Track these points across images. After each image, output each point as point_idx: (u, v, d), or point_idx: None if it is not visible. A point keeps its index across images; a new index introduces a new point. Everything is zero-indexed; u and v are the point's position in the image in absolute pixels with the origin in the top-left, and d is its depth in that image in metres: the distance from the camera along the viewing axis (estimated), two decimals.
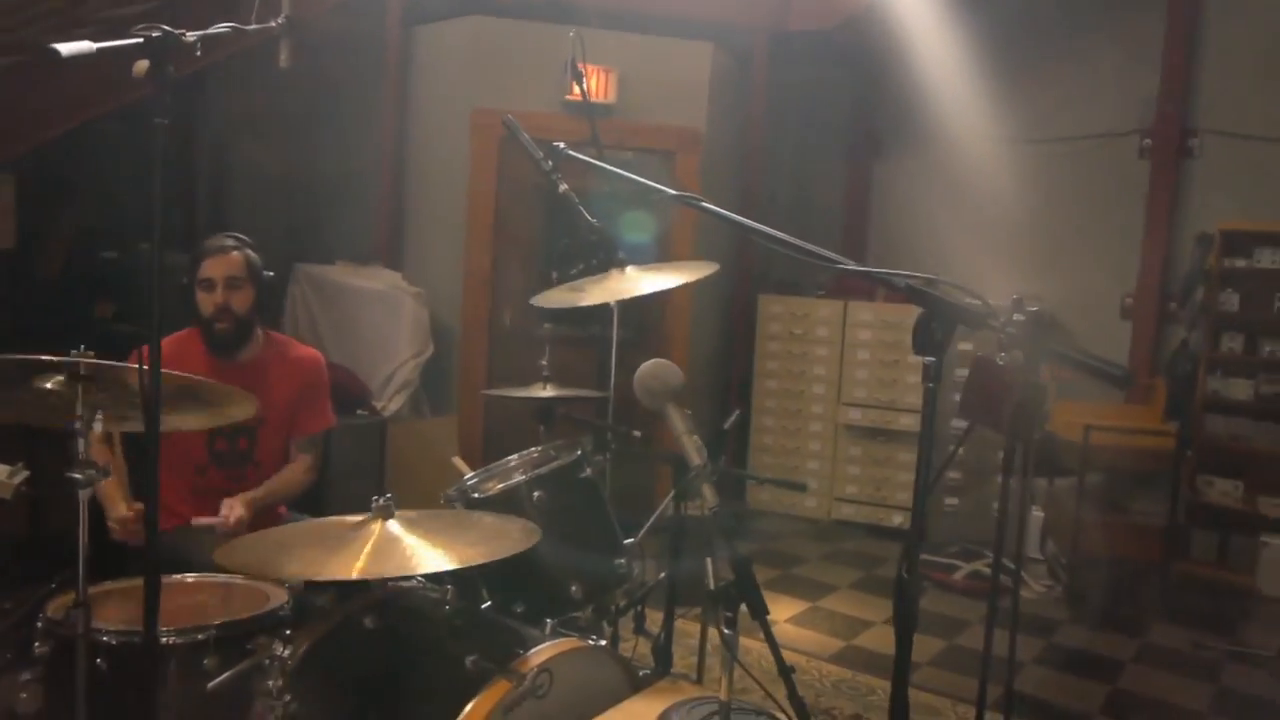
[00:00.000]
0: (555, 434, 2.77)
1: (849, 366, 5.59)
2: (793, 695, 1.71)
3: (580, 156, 1.88)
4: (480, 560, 1.81)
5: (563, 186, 1.90)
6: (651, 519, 2.71)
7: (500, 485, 2.31)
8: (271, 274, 2.70)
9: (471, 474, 2.51)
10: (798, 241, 1.42)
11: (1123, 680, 3.68)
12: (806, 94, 6.18)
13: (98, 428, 1.71)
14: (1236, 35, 5.14)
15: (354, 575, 1.70)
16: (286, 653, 1.71)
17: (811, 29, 5.52)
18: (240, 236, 2.70)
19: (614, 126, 5.01)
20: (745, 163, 5.72)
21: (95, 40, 1.30)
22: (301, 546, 1.89)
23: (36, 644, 1.86)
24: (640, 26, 5.15)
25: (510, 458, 2.58)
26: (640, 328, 5.18)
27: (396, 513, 1.94)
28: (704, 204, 1.58)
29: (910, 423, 5.43)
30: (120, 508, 2.37)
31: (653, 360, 1.80)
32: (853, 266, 1.40)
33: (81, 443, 1.70)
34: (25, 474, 2.56)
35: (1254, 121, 5.05)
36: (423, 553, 1.80)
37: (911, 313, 5.23)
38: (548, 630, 2.04)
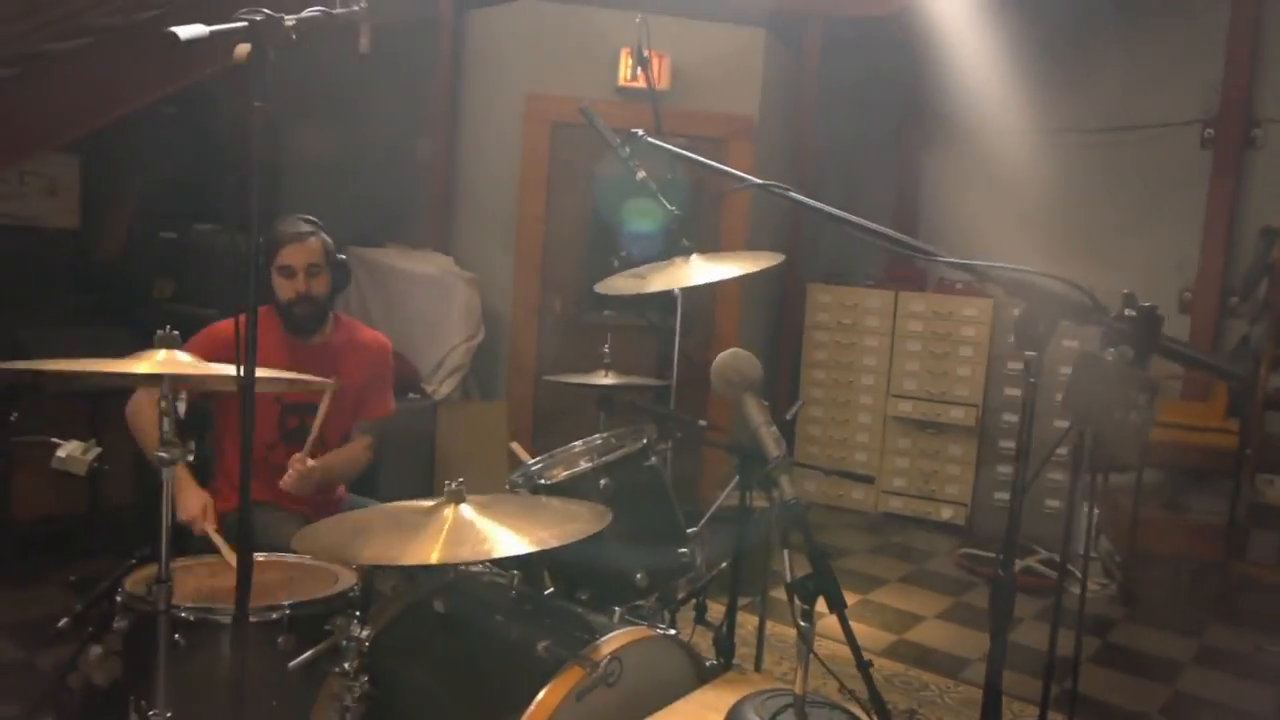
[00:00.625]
0: (616, 421, 2.76)
1: (899, 358, 5.54)
2: (872, 690, 1.69)
3: (662, 145, 1.86)
4: (555, 543, 1.81)
5: (640, 174, 1.88)
6: (713, 508, 2.70)
7: (567, 472, 2.31)
8: (344, 258, 2.72)
9: (535, 460, 2.52)
10: (902, 236, 1.39)
11: (1182, 682, 3.62)
12: (857, 82, 6.09)
13: (181, 409, 1.72)
14: None
15: (432, 560, 1.70)
16: (364, 634, 1.71)
17: (867, 15, 5.44)
18: (313, 220, 2.71)
19: (667, 113, 4.93)
20: (797, 151, 5.67)
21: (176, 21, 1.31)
22: (377, 531, 1.89)
23: (116, 618, 1.88)
24: (694, 11, 5.10)
25: (574, 444, 2.57)
26: (690, 316, 5.14)
27: (468, 497, 1.95)
28: (794, 195, 1.56)
29: (961, 415, 5.36)
30: (197, 514, 2.39)
31: (730, 350, 1.78)
32: (955, 260, 1.37)
33: (166, 422, 1.71)
34: (98, 450, 2.61)
35: None
36: (498, 536, 1.80)
37: (963, 304, 5.17)
38: (615, 618, 2.03)
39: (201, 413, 2.69)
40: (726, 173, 1.69)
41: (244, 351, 1.43)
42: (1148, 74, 5.41)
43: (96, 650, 1.92)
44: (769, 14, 5.32)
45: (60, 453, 2.50)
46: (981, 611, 4.25)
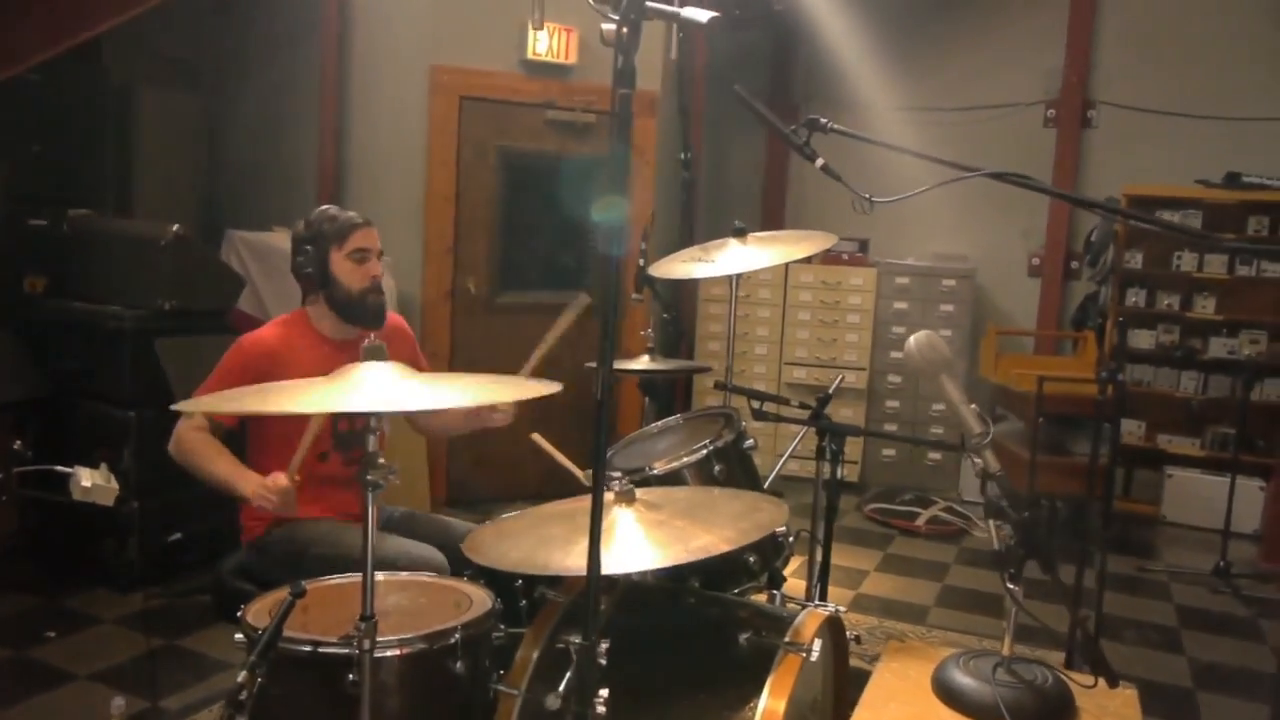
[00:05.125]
0: (660, 406, 2.75)
1: (790, 327, 5.78)
2: (1090, 641, 1.82)
3: (846, 131, 1.86)
4: (757, 535, 1.81)
5: (820, 161, 1.86)
6: (769, 477, 2.77)
7: (673, 462, 2.26)
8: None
9: (610, 450, 2.47)
10: (1162, 219, 1.49)
11: (1103, 605, 4.08)
12: (731, 59, 6.24)
13: (387, 426, 1.55)
14: (1131, 15, 5.65)
15: (650, 566, 1.66)
16: (604, 646, 1.62)
17: None
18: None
19: (575, 88, 4.90)
20: (688, 125, 5.72)
21: None
22: (558, 537, 1.79)
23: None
24: None
25: (651, 428, 2.54)
26: (602, 293, 5.12)
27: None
28: (1034, 182, 1.62)
29: (851, 379, 5.67)
30: (277, 477, 2.10)
31: (925, 332, 1.83)
32: (1237, 244, 1.48)
33: (372, 440, 1.53)
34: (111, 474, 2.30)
35: (1144, 95, 5.58)
36: (694, 534, 1.77)
37: (849, 274, 5.55)
38: (778, 601, 2.05)
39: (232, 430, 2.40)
40: (941, 161, 1.73)
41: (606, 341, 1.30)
42: (996, 59, 5.93)
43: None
44: None
45: (84, 482, 2.19)
46: (910, 560, 4.57)
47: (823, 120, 1.84)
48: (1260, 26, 5.32)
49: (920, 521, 4.98)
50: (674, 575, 2.25)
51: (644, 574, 2.11)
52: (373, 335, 1.76)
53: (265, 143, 5.09)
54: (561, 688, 1.70)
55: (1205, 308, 5.29)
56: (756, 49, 6.37)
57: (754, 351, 5.82)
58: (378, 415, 1.54)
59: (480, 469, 4.89)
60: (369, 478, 1.54)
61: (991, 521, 1.87)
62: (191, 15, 4.85)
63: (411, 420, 2.54)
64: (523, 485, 4.94)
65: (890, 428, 5.74)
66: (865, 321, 5.69)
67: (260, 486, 2.10)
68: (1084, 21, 5.65)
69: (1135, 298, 5.43)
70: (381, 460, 1.55)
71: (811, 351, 5.76)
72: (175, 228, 3.53)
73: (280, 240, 4.61)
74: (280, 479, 2.08)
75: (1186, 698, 3.33)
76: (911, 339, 1.83)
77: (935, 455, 5.71)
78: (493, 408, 2.42)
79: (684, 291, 5.61)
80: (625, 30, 1.22)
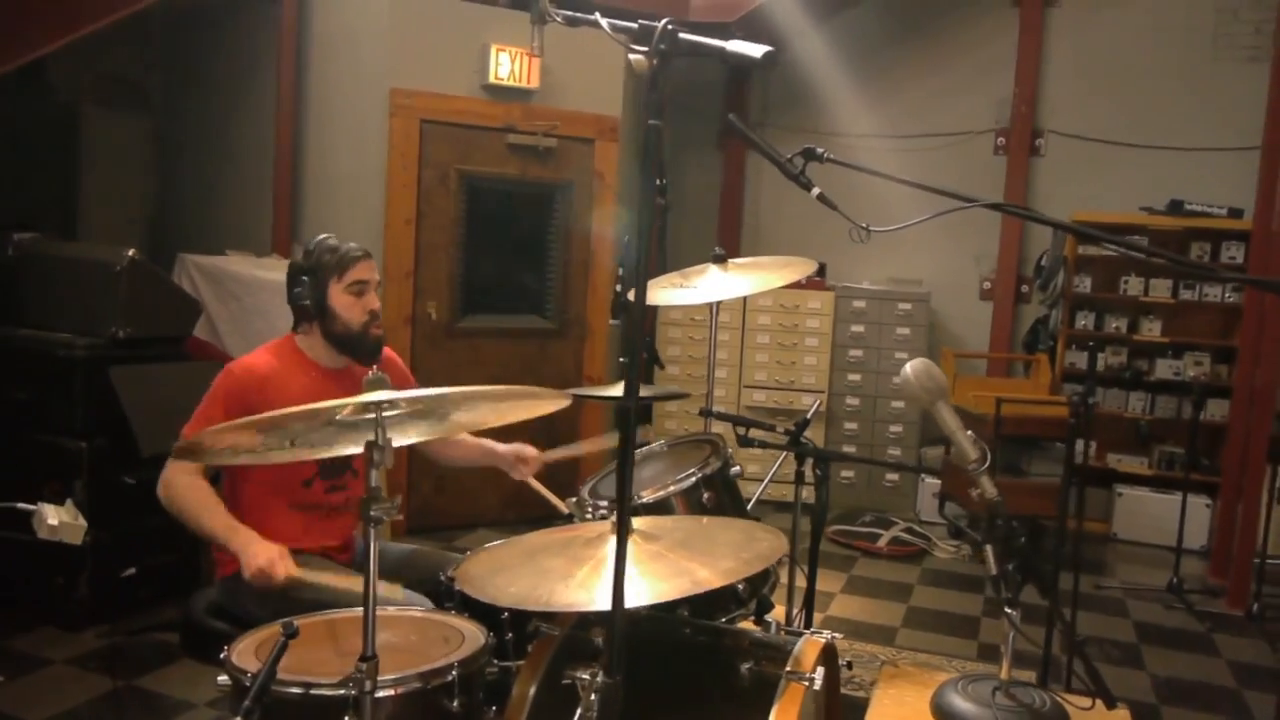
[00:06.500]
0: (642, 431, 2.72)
1: (749, 350, 5.80)
2: (1089, 666, 1.83)
3: (847, 164, 1.86)
4: (760, 567, 1.79)
5: (815, 190, 1.85)
6: (750, 502, 2.76)
7: (662, 490, 2.24)
8: None
9: (592, 477, 2.44)
10: (1187, 259, 1.51)
11: (1076, 624, 4.14)
12: (686, 83, 6.29)
13: (390, 460, 1.51)
14: (1077, 47, 5.82)
15: (657, 599, 1.63)
16: (619, 679, 1.58)
17: (711, 21, 5.62)
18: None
19: (536, 112, 4.88)
20: (661, 153, 5.74)
21: None
22: (555, 571, 1.75)
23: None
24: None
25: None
26: (562, 318, 5.10)
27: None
28: (1033, 214, 1.64)
29: (810, 401, 5.71)
30: (274, 557, 2.03)
31: (920, 360, 1.84)
32: (1248, 277, 1.51)
33: (375, 475, 1.49)
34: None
35: (1090, 125, 5.75)
36: (693, 567, 1.74)
37: (807, 297, 5.63)
38: (773, 629, 2.04)
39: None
40: (948, 194, 1.75)
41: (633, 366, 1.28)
42: (948, 88, 6.05)
43: None
44: (623, 12, 5.34)
45: (50, 520, 2.09)
46: (874, 581, 4.60)
47: (819, 150, 1.84)
48: (1200, 59, 5.52)
49: (882, 543, 5.02)
50: (664, 605, 2.23)
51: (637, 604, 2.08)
52: (375, 368, 1.71)
53: (219, 165, 4.98)
54: None
55: (1151, 330, 5.45)
56: (711, 74, 6.43)
57: (715, 376, 5.82)
58: (380, 449, 1.50)
59: (442, 496, 4.80)
60: (372, 513, 1.49)
61: (988, 547, 1.87)
62: (141, 35, 4.74)
63: (424, 446, 2.50)
64: (484, 512, 4.88)
65: (849, 449, 5.79)
66: (823, 345, 5.74)
67: (267, 562, 2.00)
68: (1032, 52, 5.81)
69: (1084, 320, 5.57)
70: (384, 495, 1.51)
71: (771, 374, 5.79)
72: (130, 252, 3.43)
73: (235, 265, 4.51)
74: (290, 567, 2.00)
75: (1152, 713, 3.38)
76: (908, 366, 1.83)
77: (893, 477, 5.77)
78: (524, 460, 2.51)
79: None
80: (656, 63, 1.20)
